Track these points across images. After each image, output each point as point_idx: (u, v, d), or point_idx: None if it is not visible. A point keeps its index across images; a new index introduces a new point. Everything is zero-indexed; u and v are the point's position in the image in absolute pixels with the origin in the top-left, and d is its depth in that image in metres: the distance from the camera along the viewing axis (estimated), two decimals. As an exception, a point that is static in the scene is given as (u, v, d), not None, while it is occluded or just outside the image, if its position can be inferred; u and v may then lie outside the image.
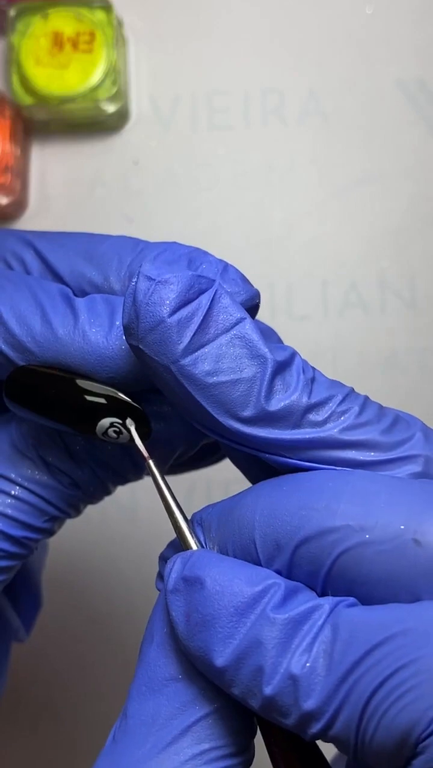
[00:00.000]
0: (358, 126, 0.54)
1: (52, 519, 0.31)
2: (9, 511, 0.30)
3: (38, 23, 0.51)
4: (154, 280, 0.26)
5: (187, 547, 0.27)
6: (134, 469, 0.31)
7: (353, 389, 0.27)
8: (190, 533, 0.27)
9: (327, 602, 0.24)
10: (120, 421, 0.28)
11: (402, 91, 0.54)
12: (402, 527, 0.24)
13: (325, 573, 0.25)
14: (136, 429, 0.28)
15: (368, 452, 0.26)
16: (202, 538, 0.27)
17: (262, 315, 0.52)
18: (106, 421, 0.28)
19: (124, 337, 0.28)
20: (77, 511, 0.32)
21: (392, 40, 0.54)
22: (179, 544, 0.28)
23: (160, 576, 0.29)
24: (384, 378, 0.52)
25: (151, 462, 0.28)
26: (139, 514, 0.52)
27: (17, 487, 0.30)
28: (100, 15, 0.51)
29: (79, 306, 0.29)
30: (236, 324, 0.26)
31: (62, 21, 0.51)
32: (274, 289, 0.53)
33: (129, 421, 0.28)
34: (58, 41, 0.51)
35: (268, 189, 0.53)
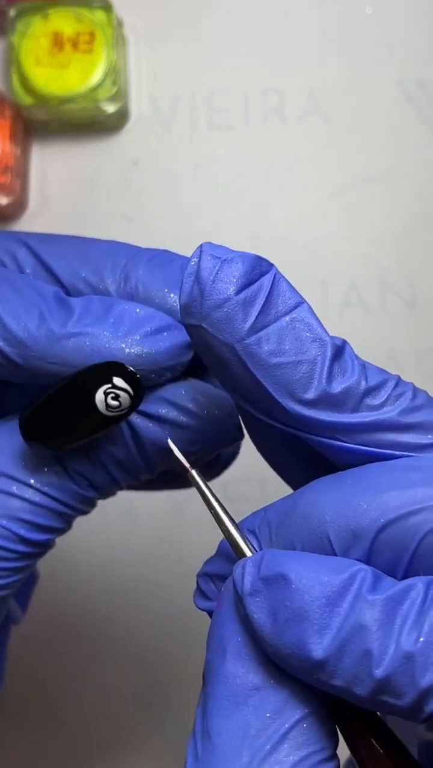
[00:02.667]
0: (358, 126, 0.54)
1: (69, 519, 0.32)
2: (27, 516, 0.30)
3: (38, 23, 0.51)
4: (219, 258, 0.26)
5: (241, 554, 0.27)
6: (147, 468, 0.31)
7: (400, 376, 0.28)
8: (244, 540, 0.27)
9: (420, 581, 0.24)
10: (109, 384, 0.28)
11: (402, 91, 0.54)
12: None
13: (410, 556, 0.25)
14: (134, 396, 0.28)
15: (426, 434, 0.26)
16: (256, 544, 0.27)
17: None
18: (100, 394, 0.28)
19: (120, 336, 0.28)
20: (93, 507, 0.32)
21: (392, 40, 0.54)
22: (220, 559, 0.27)
23: (203, 594, 0.29)
24: (384, 378, 0.52)
25: (194, 472, 0.28)
26: (139, 513, 0.52)
27: (36, 492, 0.30)
28: (100, 15, 0.51)
29: (75, 305, 0.29)
30: (295, 307, 0.26)
31: (62, 21, 0.51)
32: (274, 289, 0.53)
33: (117, 380, 0.28)
34: (58, 41, 0.51)
35: (268, 189, 0.53)
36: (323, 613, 0.24)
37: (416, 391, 0.27)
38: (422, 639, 0.24)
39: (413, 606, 0.24)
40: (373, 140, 0.53)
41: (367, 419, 0.26)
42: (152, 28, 0.54)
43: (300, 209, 0.53)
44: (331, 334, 0.27)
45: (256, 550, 0.27)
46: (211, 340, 0.26)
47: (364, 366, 0.27)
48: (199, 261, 0.26)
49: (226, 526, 0.27)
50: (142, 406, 0.30)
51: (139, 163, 0.54)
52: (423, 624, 0.24)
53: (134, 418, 0.30)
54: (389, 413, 0.26)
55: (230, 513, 0.27)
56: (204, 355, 0.27)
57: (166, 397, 0.30)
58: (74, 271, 0.31)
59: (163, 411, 0.30)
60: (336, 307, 0.53)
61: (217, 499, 0.27)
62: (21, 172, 0.52)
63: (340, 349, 0.27)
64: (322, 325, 0.27)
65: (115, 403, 0.28)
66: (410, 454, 0.26)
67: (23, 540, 0.30)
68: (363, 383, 0.26)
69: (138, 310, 0.30)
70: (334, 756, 0.26)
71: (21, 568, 0.31)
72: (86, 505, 0.32)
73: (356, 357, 0.27)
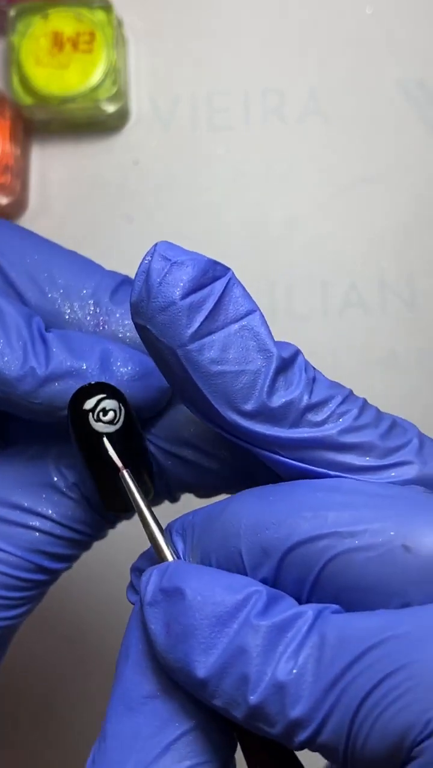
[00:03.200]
0: (358, 126, 0.54)
1: (87, 545, 0.32)
2: (47, 548, 0.31)
3: (38, 23, 0.51)
4: (169, 260, 0.25)
5: (162, 558, 0.27)
6: (167, 494, 0.32)
7: (352, 391, 0.27)
8: (166, 544, 0.27)
9: (310, 609, 0.24)
10: (93, 404, 0.28)
11: (402, 91, 0.54)
12: (392, 533, 0.24)
13: (313, 579, 0.25)
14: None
15: (364, 456, 0.26)
16: (181, 548, 0.27)
17: (262, 315, 0.53)
18: (91, 420, 0.28)
19: (107, 379, 0.28)
20: (108, 531, 0.33)
21: (392, 40, 0.54)
22: (154, 556, 0.27)
23: (134, 588, 0.28)
24: (384, 378, 0.52)
25: (125, 472, 0.28)
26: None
27: (55, 525, 0.31)
28: (100, 15, 0.51)
29: (55, 342, 0.29)
30: (246, 315, 0.26)
31: (62, 21, 0.51)
32: (274, 289, 0.53)
33: (90, 402, 0.28)
34: (58, 41, 0.51)
35: (268, 189, 0.53)
36: (211, 632, 0.24)
37: (363, 409, 0.27)
38: (295, 671, 0.23)
39: (297, 635, 0.24)
40: (373, 140, 0.53)
41: (305, 435, 0.26)
42: (152, 28, 0.54)
43: (300, 209, 0.53)
44: (288, 343, 0.27)
45: (177, 555, 0.27)
46: (155, 341, 0.26)
47: (313, 379, 0.26)
48: (150, 261, 0.25)
49: (150, 528, 0.27)
50: (159, 442, 0.30)
51: (139, 163, 0.54)
52: (300, 654, 0.23)
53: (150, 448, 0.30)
54: (328, 431, 0.26)
55: (156, 517, 0.27)
56: (151, 355, 0.27)
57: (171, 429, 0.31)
58: (41, 291, 0.31)
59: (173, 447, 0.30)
60: (336, 307, 0.53)
61: (144, 500, 0.27)
62: (21, 172, 0.52)
63: (287, 362, 0.26)
64: (271, 336, 0.26)
65: (107, 418, 0.28)
66: (343, 475, 0.26)
67: (43, 569, 0.31)
68: (306, 398, 0.26)
69: (122, 351, 0.30)
70: None
71: (38, 595, 0.32)
72: (104, 531, 0.32)
73: (307, 370, 0.26)
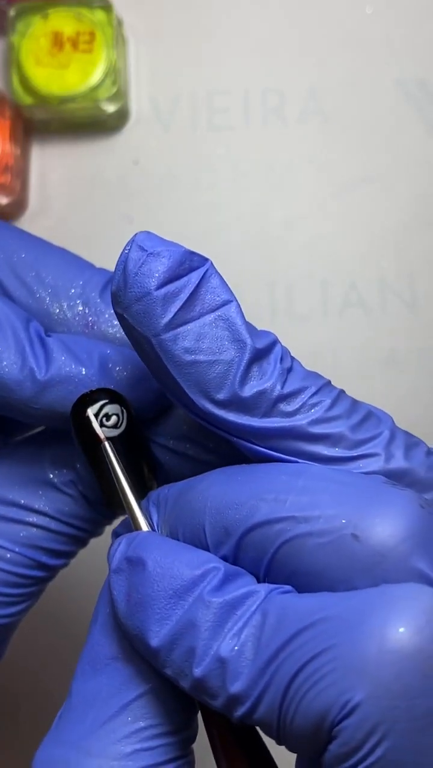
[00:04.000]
0: (358, 126, 0.54)
1: (84, 541, 0.32)
2: (45, 543, 0.31)
3: (38, 23, 0.51)
4: (146, 251, 0.26)
5: (137, 527, 0.27)
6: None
7: (330, 382, 0.27)
8: (142, 514, 0.28)
9: (263, 588, 0.25)
10: (96, 410, 0.29)
11: (402, 91, 0.54)
12: (343, 521, 0.24)
13: (268, 561, 0.25)
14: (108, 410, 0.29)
15: (333, 447, 0.26)
16: (156, 519, 0.28)
17: (262, 315, 0.52)
18: (96, 425, 0.29)
19: (106, 383, 0.29)
20: (109, 523, 0.33)
21: (392, 40, 0.54)
22: (131, 524, 0.28)
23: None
24: (384, 378, 0.52)
25: (107, 444, 0.28)
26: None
27: (52, 520, 0.31)
28: (100, 15, 0.51)
29: (54, 346, 0.29)
30: (222, 305, 0.26)
31: (62, 21, 0.51)
32: (274, 289, 0.53)
33: (94, 408, 0.29)
34: (58, 41, 0.51)
35: (268, 189, 0.53)
36: (167, 604, 0.25)
37: (337, 399, 0.27)
38: (236, 648, 0.24)
39: (245, 613, 0.24)
40: (373, 140, 0.53)
41: (275, 425, 0.26)
42: (152, 28, 0.54)
43: (300, 209, 0.53)
44: (267, 332, 0.27)
45: (151, 526, 0.28)
46: (132, 330, 0.26)
47: (289, 369, 0.27)
48: (129, 252, 0.26)
49: (127, 498, 0.28)
50: (160, 439, 0.30)
51: (139, 163, 0.54)
52: (243, 633, 0.24)
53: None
54: (299, 421, 0.26)
55: (134, 488, 0.28)
56: (132, 343, 0.27)
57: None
58: (30, 290, 0.31)
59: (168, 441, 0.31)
60: (336, 307, 0.53)
61: (123, 471, 0.28)
62: (21, 172, 0.52)
63: (262, 351, 0.26)
64: (247, 326, 0.26)
65: (110, 422, 0.29)
66: (313, 464, 0.26)
67: (41, 566, 0.31)
68: (278, 388, 0.26)
69: (119, 354, 0.30)
70: (175, 732, 0.26)
71: (36, 592, 0.32)
72: (101, 527, 0.32)
73: (284, 360, 0.27)
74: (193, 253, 0.26)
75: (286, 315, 0.53)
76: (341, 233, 0.53)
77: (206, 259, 0.26)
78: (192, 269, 0.26)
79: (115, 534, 0.29)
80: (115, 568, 0.26)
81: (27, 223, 0.53)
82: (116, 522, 0.33)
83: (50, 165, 0.54)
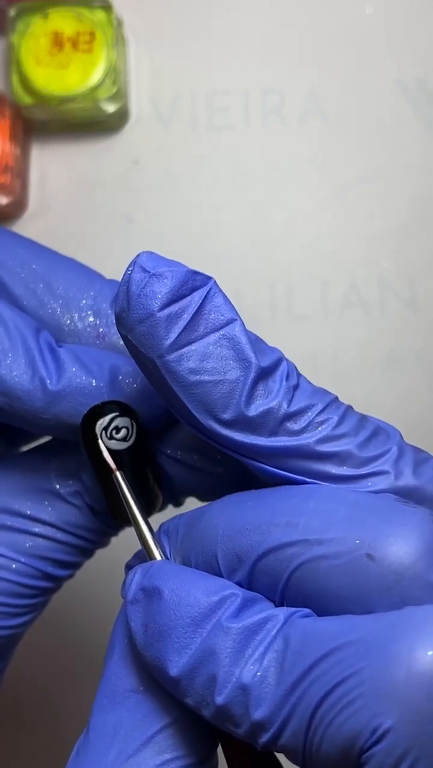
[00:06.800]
0: (358, 126, 0.54)
1: (90, 552, 0.32)
2: (51, 554, 0.31)
3: (38, 23, 0.51)
4: (148, 272, 0.25)
5: (151, 557, 0.27)
6: (171, 500, 0.32)
7: (337, 398, 0.27)
8: (155, 544, 0.27)
9: (282, 612, 0.24)
10: (106, 423, 0.28)
11: (402, 91, 0.54)
12: (357, 542, 0.24)
13: (283, 586, 0.25)
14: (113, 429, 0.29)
15: (341, 466, 0.26)
16: (167, 549, 0.27)
17: (262, 315, 0.52)
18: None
19: (117, 396, 0.29)
20: (115, 534, 0.33)
21: (392, 40, 0.54)
22: (144, 555, 0.28)
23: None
24: (384, 378, 0.52)
25: (119, 474, 0.28)
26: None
27: (58, 531, 0.31)
28: (100, 15, 0.51)
29: (64, 357, 0.29)
30: (226, 324, 0.26)
31: (62, 21, 0.51)
32: (274, 289, 0.53)
33: (103, 421, 0.28)
34: (58, 41, 0.51)
35: (268, 189, 0.53)
36: (185, 632, 0.25)
37: (344, 417, 0.27)
38: (259, 674, 0.24)
39: (266, 638, 0.24)
40: (373, 140, 0.53)
41: (282, 444, 0.26)
42: (152, 28, 0.54)
43: (300, 209, 0.53)
44: (274, 349, 0.27)
45: (165, 555, 0.27)
46: (136, 351, 0.26)
47: (295, 387, 0.27)
48: (131, 272, 0.26)
49: (140, 528, 0.28)
50: (167, 450, 0.30)
51: (139, 162, 0.54)
52: (265, 658, 0.24)
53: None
54: (306, 440, 0.26)
55: (147, 517, 0.28)
56: (137, 363, 0.27)
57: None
58: (40, 301, 0.31)
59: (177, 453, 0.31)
60: (336, 307, 0.53)
61: (135, 501, 0.28)
62: (21, 172, 0.52)
63: (268, 370, 0.26)
64: (252, 344, 0.26)
65: (119, 436, 0.29)
66: (322, 483, 0.26)
67: (47, 576, 0.31)
68: (284, 407, 0.26)
69: (129, 366, 0.30)
70: (199, 763, 0.26)
71: (41, 604, 0.32)
72: (107, 538, 0.32)
73: (290, 377, 0.27)
74: (196, 272, 0.26)
75: (286, 315, 0.53)
76: (341, 233, 0.53)
77: (209, 278, 0.26)
78: (195, 289, 0.26)
79: (128, 567, 0.29)
80: (132, 599, 0.26)
81: (27, 223, 0.53)
82: (122, 533, 0.33)
83: (50, 165, 0.54)
